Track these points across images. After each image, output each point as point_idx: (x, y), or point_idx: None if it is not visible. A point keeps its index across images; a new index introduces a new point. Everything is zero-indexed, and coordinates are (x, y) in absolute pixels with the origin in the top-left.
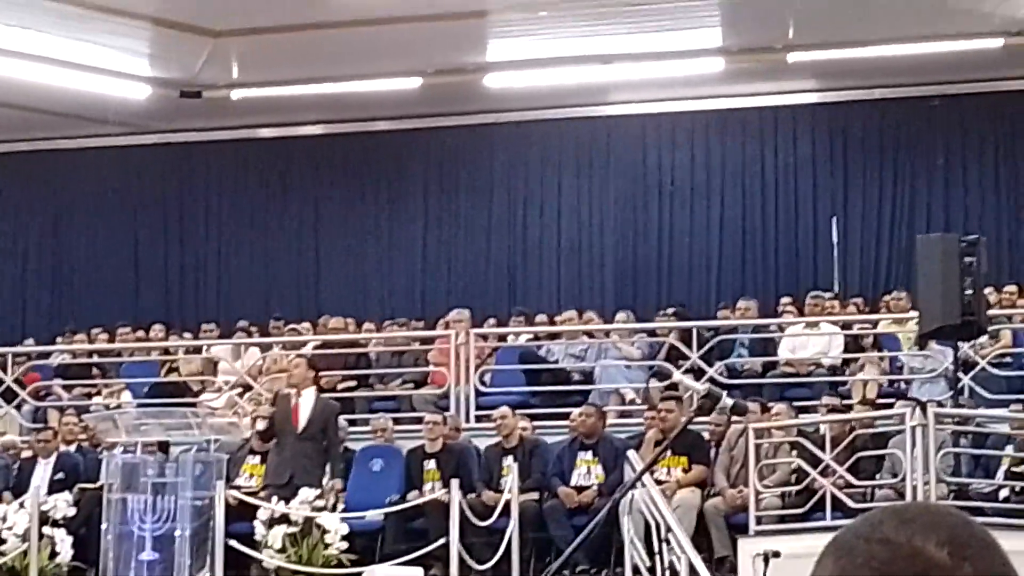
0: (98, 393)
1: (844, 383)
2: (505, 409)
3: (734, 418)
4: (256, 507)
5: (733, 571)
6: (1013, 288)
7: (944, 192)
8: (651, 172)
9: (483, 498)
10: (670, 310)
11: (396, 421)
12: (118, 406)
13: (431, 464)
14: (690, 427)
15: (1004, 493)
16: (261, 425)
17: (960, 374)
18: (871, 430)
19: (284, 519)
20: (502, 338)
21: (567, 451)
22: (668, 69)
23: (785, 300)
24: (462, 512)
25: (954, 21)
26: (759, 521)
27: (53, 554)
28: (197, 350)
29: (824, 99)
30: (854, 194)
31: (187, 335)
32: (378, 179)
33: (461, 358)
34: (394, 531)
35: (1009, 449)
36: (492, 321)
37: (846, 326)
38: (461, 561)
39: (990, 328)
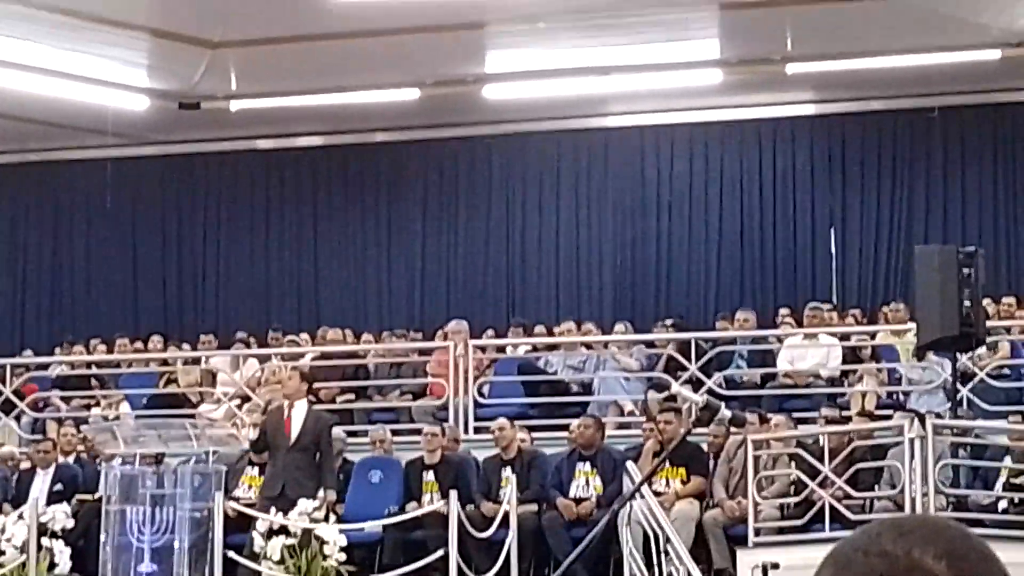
0: (96, 404)
1: (843, 394)
2: (503, 420)
3: (733, 429)
4: (255, 518)
5: None
6: (1011, 299)
7: (942, 203)
8: (649, 183)
9: (482, 510)
10: (668, 321)
11: (395, 432)
12: (116, 417)
13: (430, 475)
14: (689, 438)
15: (1003, 504)
16: (252, 435)
17: (958, 385)
18: (870, 442)
19: (283, 530)
20: (501, 349)
21: (566, 462)
22: (666, 81)
23: (783, 311)
24: (461, 524)
25: (952, 33)
26: (758, 533)
27: (52, 566)
28: (196, 361)
29: (822, 111)
30: (852, 205)
31: (185, 346)
32: (377, 190)
33: (459, 369)
34: (393, 543)
35: (1007, 461)
36: (490, 332)
37: (844, 337)
38: (460, 573)
39: (988, 339)
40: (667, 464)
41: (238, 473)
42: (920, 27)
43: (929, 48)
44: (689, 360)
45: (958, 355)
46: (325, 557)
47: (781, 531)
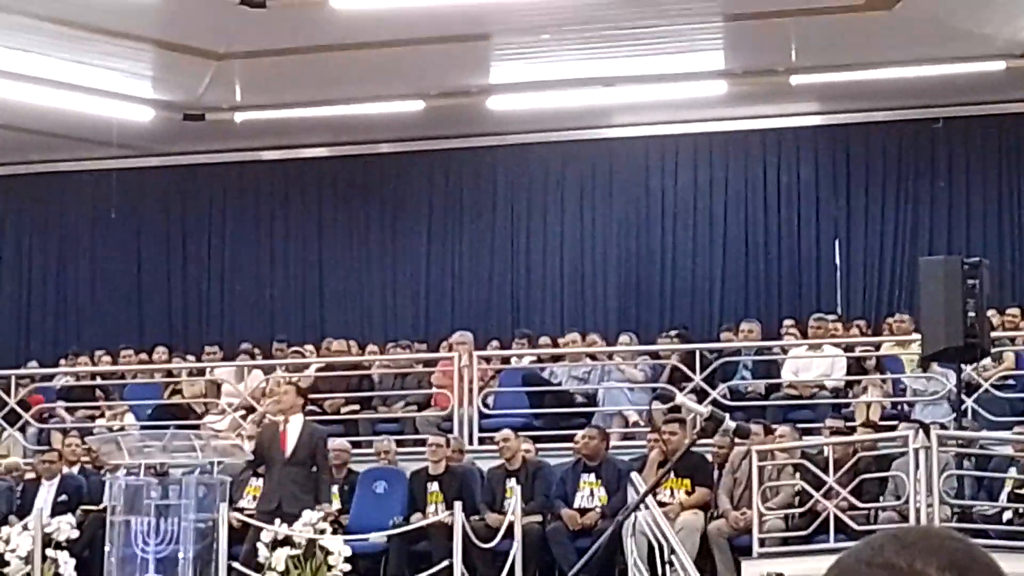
0: (101, 415)
1: (847, 405)
2: (508, 431)
3: (737, 440)
4: (259, 529)
5: None
6: (1016, 310)
7: (947, 214)
8: (653, 195)
9: (486, 520)
10: (673, 332)
11: (399, 443)
12: (121, 428)
13: (434, 486)
14: (693, 449)
15: (1007, 515)
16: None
17: (963, 396)
18: (874, 452)
19: (287, 541)
20: (505, 360)
21: (570, 473)
22: (671, 92)
23: (788, 322)
24: (465, 534)
25: (956, 44)
26: (762, 543)
27: None
28: (200, 372)
29: (827, 121)
30: (857, 216)
31: (190, 357)
32: (381, 201)
33: (464, 380)
34: (397, 553)
35: (1012, 471)
36: (495, 343)
37: (849, 348)
38: None
39: (993, 350)
40: (672, 475)
41: (242, 484)
42: (925, 38)
43: (934, 59)
44: (694, 371)
45: (963, 366)
46: (330, 568)
47: (785, 542)
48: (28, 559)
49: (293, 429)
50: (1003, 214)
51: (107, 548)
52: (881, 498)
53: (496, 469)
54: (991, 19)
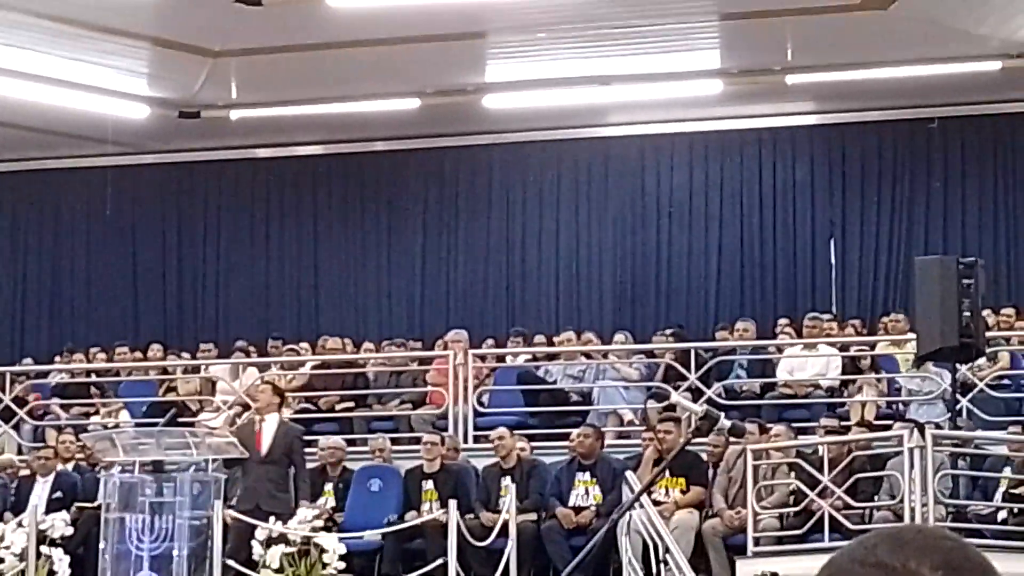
0: (96, 412)
1: (842, 404)
2: (503, 430)
3: (732, 439)
4: (254, 527)
5: None
6: (1011, 310)
7: (942, 214)
8: (649, 193)
9: (481, 519)
10: (668, 331)
11: (394, 441)
12: (116, 425)
13: (429, 484)
14: (688, 448)
15: (1002, 515)
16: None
17: (958, 396)
18: (869, 452)
19: (282, 539)
20: (500, 359)
21: (565, 472)
22: (666, 91)
23: (783, 321)
24: (460, 532)
25: (952, 44)
26: (757, 542)
27: (51, 573)
28: (195, 370)
29: (822, 121)
30: (852, 216)
31: (185, 355)
32: (376, 199)
33: (459, 378)
34: (392, 551)
35: (1007, 471)
36: (490, 342)
37: (844, 348)
38: None
39: (988, 350)
40: (667, 474)
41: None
42: (920, 38)
43: (929, 59)
44: (689, 370)
45: (958, 366)
46: (324, 566)
47: (780, 541)
48: (22, 556)
49: (268, 428)
50: (998, 214)
51: (102, 545)
52: (876, 497)
53: (491, 467)
54: (987, 19)
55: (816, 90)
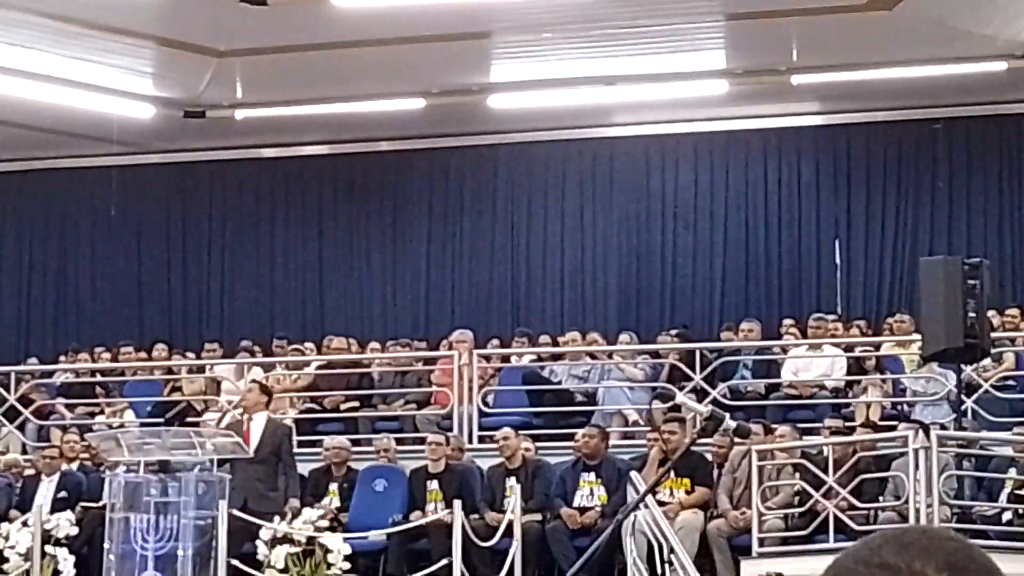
0: (101, 412)
1: (847, 405)
2: (508, 430)
3: (737, 440)
4: (259, 526)
5: None
6: (1016, 311)
7: (947, 214)
8: (654, 193)
9: (486, 519)
10: (673, 331)
11: (399, 441)
12: (121, 425)
13: (434, 484)
14: (693, 448)
15: (1007, 516)
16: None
17: (963, 397)
18: (874, 452)
19: (287, 539)
20: (505, 359)
21: (570, 472)
22: (672, 91)
23: (788, 322)
24: (465, 533)
25: (957, 44)
26: (762, 543)
27: (55, 573)
28: (200, 369)
29: (827, 121)
30: (857, 216)
31: (190, 354)
32: (381, 199)
33: (464, 379)
34: (397, 551)
35: (1012, 472)
36: (495, 342)
37: (849, 348)
38: None
39: (993, 351)
40: (671, 474)
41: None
42: (925, 38)
43: (934, 59)
44: (694, 370)
45: (963, 366)
46: (329, 566)
47: (785, 541)
48: (27, 556)
49: (256, 427)
50: (1003, 215)
51: (106, 545)
52: (881, 498)
53: (496, 468)
54: (992, 20)
55: (821, 90)
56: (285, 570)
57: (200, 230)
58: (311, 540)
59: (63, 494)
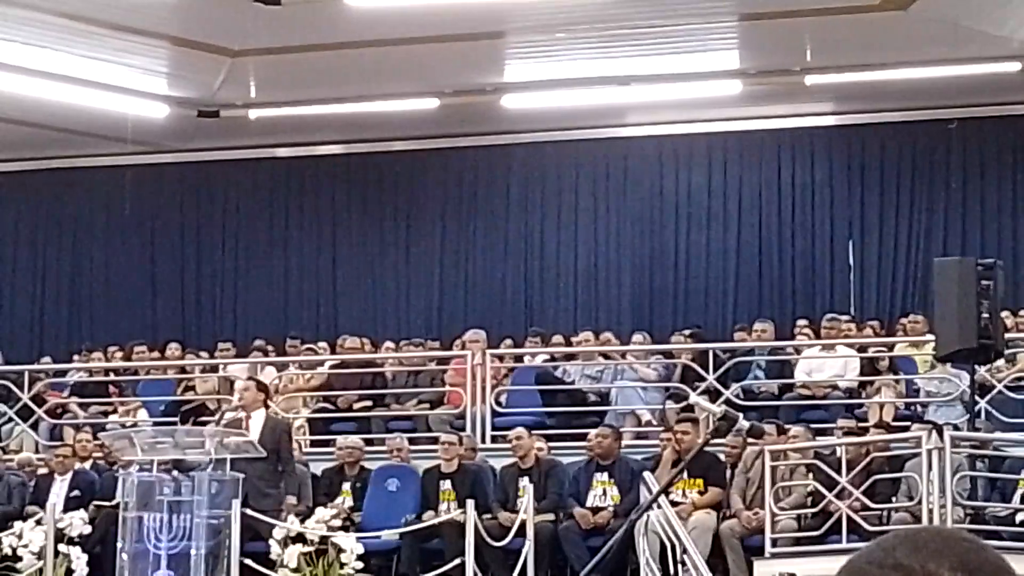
0: (114, 411)
1: (860, 406)
2: (521, 430)
3: (750, 440)
4: (263, 524)
5: None
6: None
7: (961, 215)
8: (668, 194)
9: (499, 519)
10: (687, 332)
11: (412, 441)
12: (134, 424)
13: (447, 484)
14: (706, 449)
15: (1020, 517)
16: None
17: (976, 398)
18: (887, 453)
19: (300, 538)
20: (518, 359)
21: (583, 472)
22: (685, 91)
23: (801, 322)
24: (478, 532)
25: (971, 45)
26: (775, 543)
27: (69, 572)
28: (213, 369)
29: (841, 122)
30: (871, 217)
31: (203, 354)
32: (395, 199)
33: (477, 378)
34: (410, 551)
35: None
36: (508, 342)
37: (862, 349)
38: None
39: (1007, 352)
40: (684, 474)
41: None
42: (940, 39)
43: (949, 60)
44: (707, 370)
45: (976, 367)
46: (342, 565)
47: (798, 542)
48: (40, 554)
49: (255, 425)
50: (1018, 215)
51: (119, 544)
52: (894, 499)
53: (509, 467)
54: (1007, 20)
55: (835, 91)
56: (298, 569)
57: (213, 230)
58: (324, 540)
59: (76, 493)
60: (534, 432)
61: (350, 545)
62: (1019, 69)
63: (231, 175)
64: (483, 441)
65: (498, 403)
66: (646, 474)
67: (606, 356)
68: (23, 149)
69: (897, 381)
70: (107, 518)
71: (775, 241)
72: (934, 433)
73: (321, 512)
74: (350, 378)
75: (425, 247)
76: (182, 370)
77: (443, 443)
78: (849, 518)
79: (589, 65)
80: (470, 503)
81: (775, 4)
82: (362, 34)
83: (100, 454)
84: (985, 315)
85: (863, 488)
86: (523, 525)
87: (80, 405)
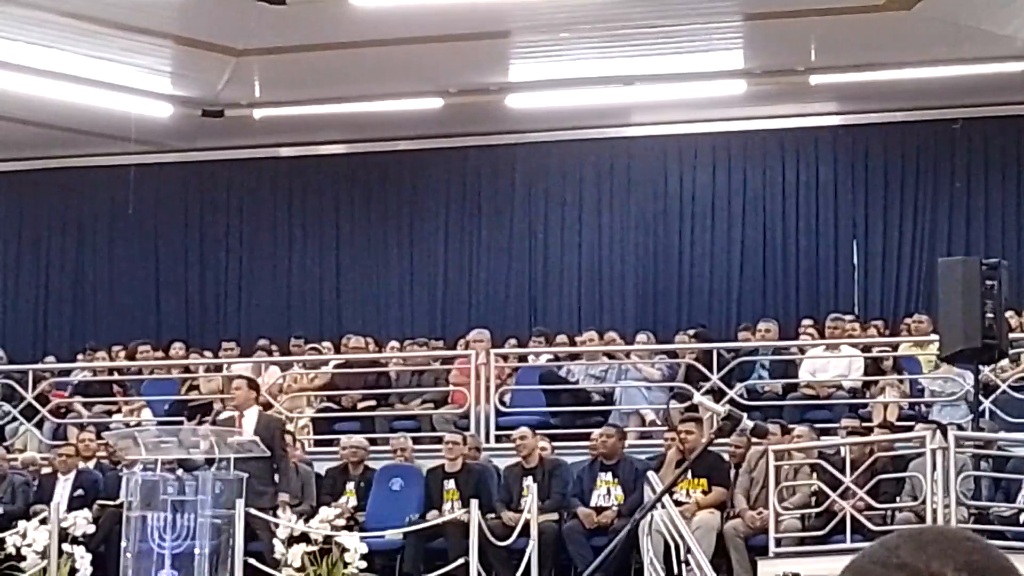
0: (118, 411)
1: (864, 405)
2: (525, 429)
3: (754, 440)
4: (261, 522)
5: None
6: None
7: (965, 215)
8: (672, 193)
9: (503, 518)
10: (691, 331)
11: (416, 440)
12: (138, 424)
13: (451, 484)
14: (710, 448)
15: None
16: None
17: (981, 397)
18: (891, 453)
19: (304, 538)
20: (522, 358)
21: (587, 472)
22: (690, 91)
23: (806, 322)
24: (481, 532)
25: (976, 44)
26: (779, 543)
27: (72, 571)
28: (217, 368)
29: (845, 121)
30: (875, 217)
31: (207, 353)
32: (399, 199)
33: (481, 378)
34: (413, 551)
35: None
36: (512, 341)
37: (866, 349)
38: None
39: (1011, 351)
40: (688, 474)
41: None
42: (944, 39)
43: (953, 60)
44: (711, 370)
45: (980, 367)
46: (346, 565)
47: (802, 542)
48: (45, 554)
49: (248, 423)
50: (1022, 215)
51: (123, 543)
52: (898, 499)
53: (513, 467)
54: (1011, 20)
55: (839, 90)
56: (302, 569)
57: (217, 229)
58: (328, 539)
59: (80, 492)
60: (538, 432)
61: (354, 545)
62: (1023, 69)
63: (235, 175)
64: (487, 441)
65: (502, 403)
66: (650, 474)
67: (610, 356)
68: (27, 148)
69: (901, 381)
70: (111, 517)
71: (779, 241)
72: (938, 433)
73: (325, 511)
74: (354, 378)
75: (429, 247)
76: (186, 370)
77: (447, 443)
78: (853, 518)
79: (593, 65)
80: (474, 503)
81: (779, 4)
82: (366, 34)
83: (104, 453)
84: (989, 315)
85: (867, 488)
86: (527, 525)
87: (84, 404)
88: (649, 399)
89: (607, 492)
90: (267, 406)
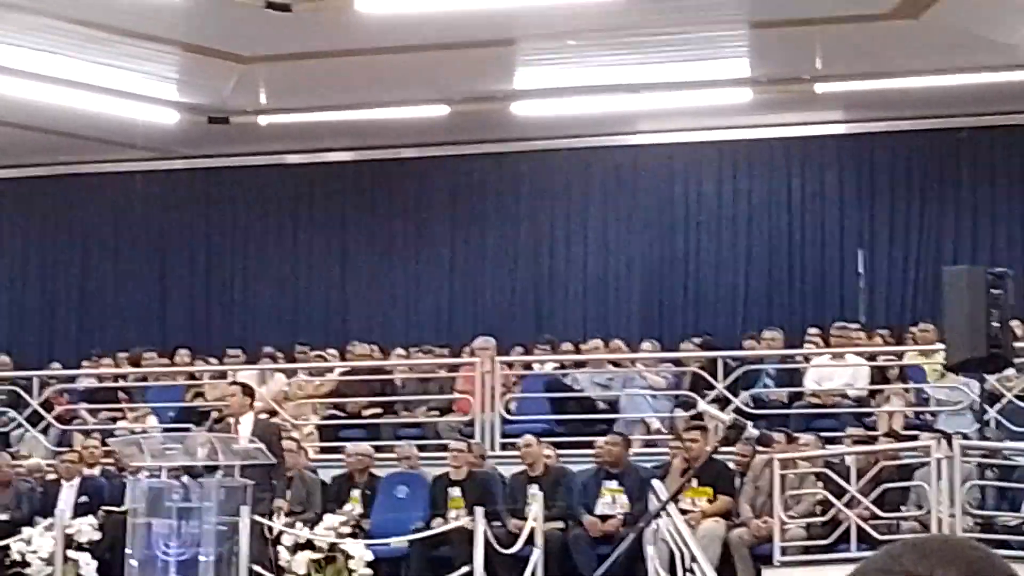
0: (123, 417)
1: (870, 414)
2: (530, 437)
3: (759, 448)
4: (280, 532)
5: None
6: None
7: (971, 224)
8: (678, 201)
9: (508, 526)
10: (696, 340)
11: (421, 448)
12: (143, 430)
13: (456, 491)
14: (715, 457)
15: None
16: None
17: (986, 407)
18: (897, 462)
19: (309, 545)
20: (528, 366)
21: (592, 480)
22: (696, 99)
23: (811, 331)
24: (487, 540)
25: (982, 54)
26: (784, 552)
27: None
28: (223, 375)
29: (851, 130)
30: (881, 225)
31: (212, 360)
32: (405, 206)
33: (487, 386)
34: (418, 558)
35: None
36: (518, 349)
37: (872, 357)
38: None
39: (1016, 361)
40: (694, 483)
41: None
42: (951, 48)
43: (959, 68)
44: (716, 379)
45: (986, 376)
46: (351, 572)
47: (807, 550)
48: (50, 560)
49: (244, 429)
50: None
51: (128, 550)
52: (903, 508)
53: (518, 475)
54: (1018, 29)
55: (845, 99)
56: None
57: (224, 236)
58: (333, 546)
59: (85, 499)
60: (543, 439)
61: (359, 552)
62: None
63: (241, 181)
64: (492, 448)
65: (507, 410)
66: (655, 482)
67: (615, 364)
68: (33, 155)
69: (907, 390)
70: (116, 524)
71: (785, 249)
72: (943, 442)
73: (330, 519)
74: (359, 385)
75: (435, 254)
76: (191, 376)
77: (452, 450)
78: (858, 527)
79: (599, 73)
80: (479, 510)
81: (785, 12)
82: (372, 41)
83: (109, 460)
84: (995, 324)
85: (872, 497)
86: (532, 533)
87: (89, 411)
88: (654, 407)
89: (612, 500)
90: (272, 413)
